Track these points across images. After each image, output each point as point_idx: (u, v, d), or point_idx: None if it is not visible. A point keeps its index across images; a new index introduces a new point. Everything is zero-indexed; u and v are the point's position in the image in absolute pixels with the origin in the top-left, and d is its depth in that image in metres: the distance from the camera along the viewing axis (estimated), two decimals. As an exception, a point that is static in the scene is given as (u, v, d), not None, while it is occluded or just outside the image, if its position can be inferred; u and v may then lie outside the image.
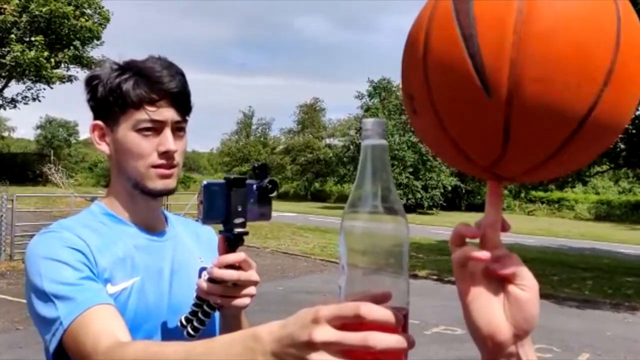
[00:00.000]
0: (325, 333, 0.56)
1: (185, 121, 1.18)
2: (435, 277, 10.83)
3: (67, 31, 27.38)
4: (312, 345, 0.57)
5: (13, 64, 26.22)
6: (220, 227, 1.07)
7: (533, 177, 0.63)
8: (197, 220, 1.13)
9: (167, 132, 1.13)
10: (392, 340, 0.57)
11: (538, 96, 0.54)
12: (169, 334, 1.13)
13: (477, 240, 0.66)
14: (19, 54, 25.72)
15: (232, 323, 1.13)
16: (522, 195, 30.89)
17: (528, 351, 0.63)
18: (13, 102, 31.23)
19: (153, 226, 1.22)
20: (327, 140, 46.31)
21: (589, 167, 12.95)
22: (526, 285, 0.63)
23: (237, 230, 1.06)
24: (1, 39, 26.33)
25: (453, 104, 0.58)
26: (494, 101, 0.55)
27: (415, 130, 0.68)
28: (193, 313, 1.09)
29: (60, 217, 1.39)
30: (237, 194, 1.06)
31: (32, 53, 25.96)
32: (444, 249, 12.75)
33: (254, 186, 1.09)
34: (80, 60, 29.02)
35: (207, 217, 1.05)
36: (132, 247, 1.16)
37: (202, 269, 1.22)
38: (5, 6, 25.42)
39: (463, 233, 0.65)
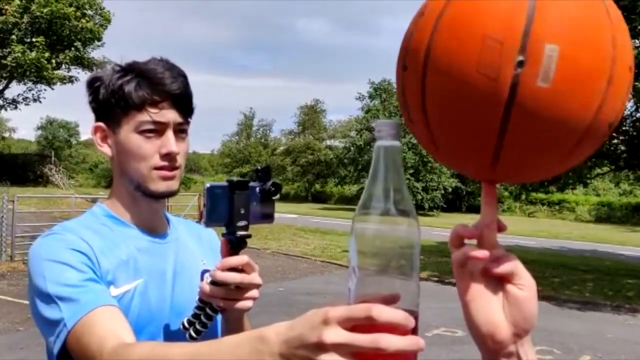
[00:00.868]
0: (335, 334, 0.56)
1: (188, 123, 1.18)
2: (436, 278, 10.81)
3: (68, 32, 27.35)
4: (322, 347, 0.56)
5: (14, 64, 26.18)
6: (223, 229, 1.07)
7: (525, 177, 0.65)
8: (198, 223, 1.12)
9: (170, 133, 1.13)
10: (403, 343, 0.56)
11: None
12: (171, 336, 1.13)
13: (476, 241, 0.67)
14: (20, 54, 25.69)
15: (234, 326, 1.13)
16: (523, 197, 30.94)
17: (528, 351, 0.64)
18: (14, 102, 31.20)
19: (155, 228, 1.22)
20: (328, 142, 46.29)
21: (590, 169, 12.94)
22: (524, 284, 0.63)
23: (240, 233, 1.05)
24: (2, 39, 26.32)
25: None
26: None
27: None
28: (195, 316, 1.08)
29: (61, 218, 1.39)
30: (240, 196, 1.05)
31: (33, 54, 25.92)
32: (445, 251, 12.73)
33: (257, 189, 1.09)
34: (81, 61, 28.98)
35: (210, 219, 1.04)
36: (135, 249, 1.15)
37: (205, 272, 1.22)
38: (6, 7, 25.42)
39: (461, 234, 0.66)
